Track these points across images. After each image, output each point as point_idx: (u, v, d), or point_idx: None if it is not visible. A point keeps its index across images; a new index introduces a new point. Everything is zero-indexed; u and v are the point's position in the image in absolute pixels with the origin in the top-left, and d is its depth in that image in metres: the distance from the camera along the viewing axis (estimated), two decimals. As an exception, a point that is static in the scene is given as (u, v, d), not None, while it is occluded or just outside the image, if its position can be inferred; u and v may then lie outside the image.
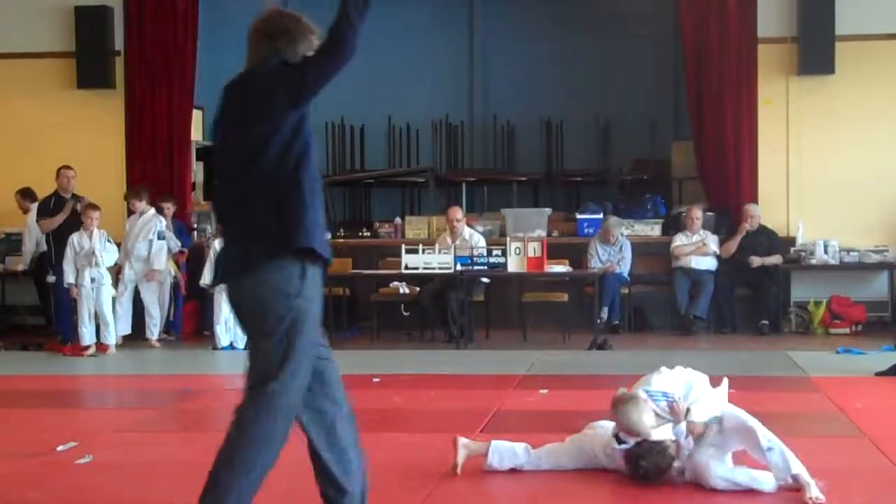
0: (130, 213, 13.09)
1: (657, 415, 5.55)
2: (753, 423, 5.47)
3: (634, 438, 5.53)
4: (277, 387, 4.30)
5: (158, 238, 12.64)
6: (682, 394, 5.57)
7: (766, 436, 5.39)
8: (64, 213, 12.50)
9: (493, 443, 5.95)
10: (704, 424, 5.51)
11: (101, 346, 11.90)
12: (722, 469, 5.45)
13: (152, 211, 12.78)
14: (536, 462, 5.90)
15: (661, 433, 5.53)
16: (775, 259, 13.31)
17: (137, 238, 12.63)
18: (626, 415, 5.52)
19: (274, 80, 4.40)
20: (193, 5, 14.40)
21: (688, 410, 5.51)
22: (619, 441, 5.59)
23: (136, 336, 12.63)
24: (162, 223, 12.75)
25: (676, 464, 5.50)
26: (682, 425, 5.56)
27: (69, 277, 11.88)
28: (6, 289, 14.57)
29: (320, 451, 4.48)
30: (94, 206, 12.14)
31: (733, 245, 13.33)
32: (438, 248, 12.50)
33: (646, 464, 5.47)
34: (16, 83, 14.59)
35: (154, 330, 12.55)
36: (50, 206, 12.70)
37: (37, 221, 12.90)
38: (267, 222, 4.36)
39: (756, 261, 13.20)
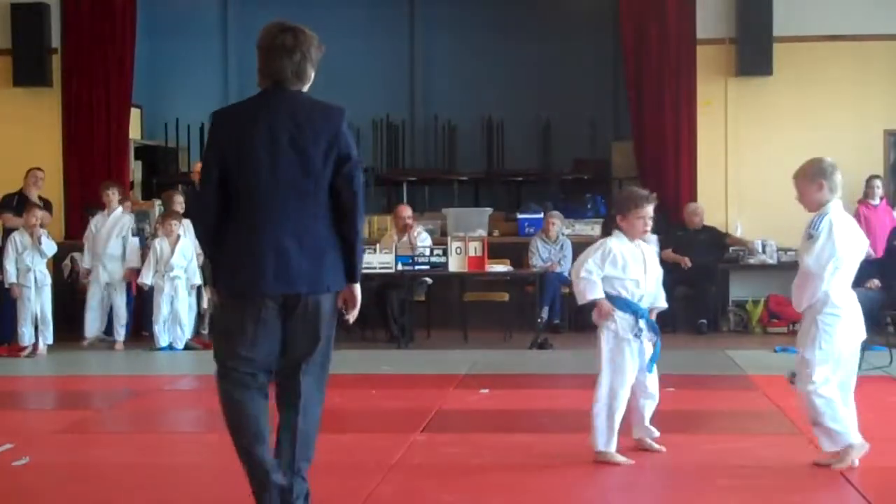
0: (88, 208, 12.96)
1: None
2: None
3: None
4: None
5: (132, 235, 12.51)
6: None
7: None
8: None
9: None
10: None
11: (35, 347, 11.75)
12: None
13: (120, 208, 12.59)
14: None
15: None
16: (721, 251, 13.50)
17: (110, 237, 12.42)
18: None
19: (333, 141, 4.82)
20: (131, 3, 14.27)
21: None
22: None
23: (76, 336, 12.45)
24: (132, 220, 12.60)
25: None
26: None
27: (10, 277, 11.75)
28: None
29: None
30: (35, 205, 12.01)
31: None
32: (381, 247, 12.45)
33: None
34: (-49, 80, 14.39)
35: (122, 332, 12.35)
36: (13, 205, 12.56)
37: None
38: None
39: (689, 261, 13.29)
